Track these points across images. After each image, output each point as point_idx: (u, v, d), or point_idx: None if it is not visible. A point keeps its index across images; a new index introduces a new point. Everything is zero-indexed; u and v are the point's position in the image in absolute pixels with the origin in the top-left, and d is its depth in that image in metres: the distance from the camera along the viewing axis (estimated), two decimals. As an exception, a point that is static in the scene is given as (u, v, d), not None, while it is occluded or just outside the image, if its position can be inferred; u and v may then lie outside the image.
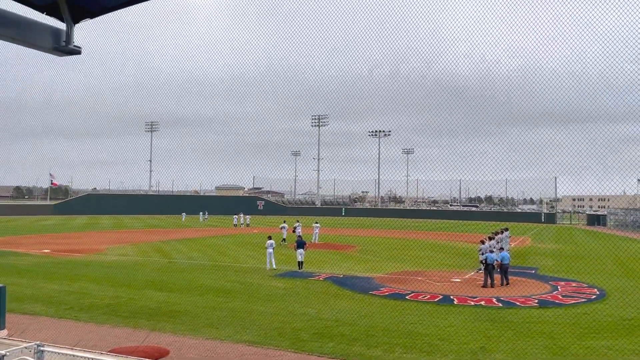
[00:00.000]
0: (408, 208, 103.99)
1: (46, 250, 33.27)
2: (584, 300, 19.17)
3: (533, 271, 26.59)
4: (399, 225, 54.98)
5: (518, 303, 18.53)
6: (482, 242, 24.64)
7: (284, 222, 42.48)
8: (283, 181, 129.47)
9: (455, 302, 18.56)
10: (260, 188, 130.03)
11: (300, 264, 25.71)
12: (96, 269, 25.51)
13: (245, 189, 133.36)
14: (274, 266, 25.86)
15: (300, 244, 26.33)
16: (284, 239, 38.39)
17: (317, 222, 43.32)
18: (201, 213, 77.50)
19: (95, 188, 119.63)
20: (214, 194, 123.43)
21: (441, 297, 19.35)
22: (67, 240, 40.15)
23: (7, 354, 7.10)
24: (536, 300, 18.98)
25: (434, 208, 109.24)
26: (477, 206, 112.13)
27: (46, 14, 4.94)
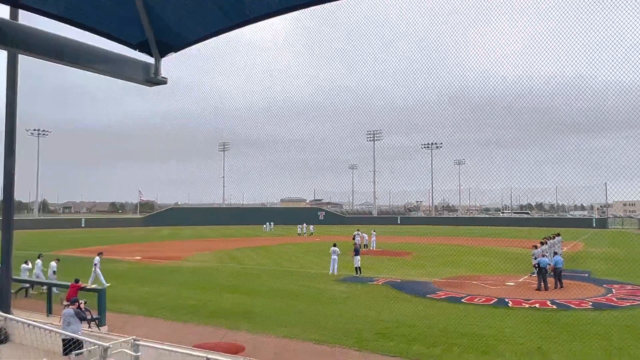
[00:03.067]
0: (461, 216, 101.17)
1: (137, 258, 34.83)
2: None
3: (586, 274, 25.11)
4: (453, 232, 53.51)
5: (573, 305, 17.54)
6: (535, 247, 23.58)
7: (358, 230, 42.12)
8: (341, 193, 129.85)
9: (510, 305, 17.82)
10: (321, 200, 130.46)
11: (357, 269, 25.56)
12: (180, 274, 26.41)
13: (307, 201, 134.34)
14: (336, 272, 25.82)
15: (357, 251, 26.41)
16: (365, 245, 38.78)
17: (374, 231, 42.96)
18: (267, 223, 78.65)
19: (177, 202, 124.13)
20: (279, 206, 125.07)
21: (496, 300, 18.64)
22: (155, 249, 41.82)
23: (110, 346, 7.48)
24: (591, 303, 17.90)
25: (486, 215, 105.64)
26: (528, 213, 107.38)
27: (138, 51, 5.21)
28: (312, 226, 66.16)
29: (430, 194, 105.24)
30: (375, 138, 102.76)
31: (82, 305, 11.93)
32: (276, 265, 30.22)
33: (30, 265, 21.70)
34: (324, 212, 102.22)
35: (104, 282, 22.18)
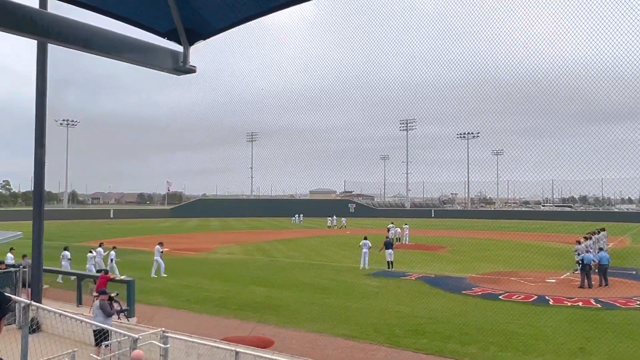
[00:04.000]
0: (499, 209, 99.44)
1: (165, 249, 35.56)
2: (694, 303, 17.26)
3: (634, 272, 24.37)
4: (490, 226, 52.68)
5: (618, 304, 17.07)
6: (578, 243, 23.01)
7: (392, 223, 42.08)
8: (373, 184, 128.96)
9: (550, 303, 17.48)
10: (351, 191, 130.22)
11: (389, 263, 25.49)
12: (208, 266, 26.89)
13: (337, 193, 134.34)
14: (367, 266, 25.81)
15: (389, 245, 26.18)
16: (398, 239, 38.60)
17: (406, 224, 42.63)
18: (297, 215, 79.03)
19: (205, 194, 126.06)
20: (308, 198, 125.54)
21: (536, 297, 18.31)
22: (182, 240, 42.66)
23: (140, 337, 7.69)
24: (638, 302, 17.38)
25: (526, 209, 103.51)
26: (571, 206, 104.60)
27: (167, 39, 5.29)
28: (343, 219, 66.21)
29: (466, 186, 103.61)
30: (409, 127, 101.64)
31: (113, 297, 12.15)
32: (305, 259, 30.40)
33: (94, 254, 23.16)
34: (354, 205, 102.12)
35: (117, 273, 23.01)
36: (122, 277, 17.41)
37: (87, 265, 22.59)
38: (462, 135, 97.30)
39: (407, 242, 39.96)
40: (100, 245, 24.46)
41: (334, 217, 65.93)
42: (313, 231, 55.98)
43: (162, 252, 24.44)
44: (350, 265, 26.75)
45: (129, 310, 15.18)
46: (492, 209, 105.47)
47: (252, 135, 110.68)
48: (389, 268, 25.33)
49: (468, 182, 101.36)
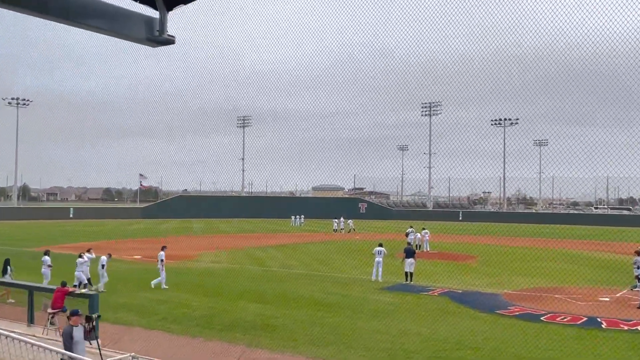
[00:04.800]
0: (541, 212, 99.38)
1: (137, 256, 35.74)
2: None
3: None
4: (530, 232, 52.57)
5: (687, 329, 17.02)
6: (638, 254, 22.93)
7: (411, 227, 42.03)
8: (388, 180, 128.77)
9: (603, 326, 17.46)
10: (362, 189, 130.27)
11: (408, 275, 25.48)
12: (188, 277, 26.97)
13: (345, 190, 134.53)
14: (380, 278, 25.84)
15: (410, 253, 26.17)
16: (418, 246, 39.06)
17: (425, 229, 42.39)
18: (294, 217, 78.99)
19: (185, 190, 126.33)
20: (311, 196, 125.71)
21: (585, 319, 18.28)
22: (158, 246, 42.59)
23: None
24: None
25: (574, 211, 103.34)
26: (629, 209, 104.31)
27: (140, 2, 5.22)
28: (350, 221, 66.22)
29: (502, 183, 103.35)
30: (432, 112, 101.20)
31: (94, 318, 11.16)
32: (306, 269, 30.44)
33: (86, 259, 23.31)
34: (366, 204, 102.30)
35: (101, 283, 23.15)
36: (83, 291, 17.44)
37: (75, 273, 22.64)
38: (497, 122, 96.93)
39: (427, 250, 39.97)
40: (88, 251, 24.54)
41: (341, 218, 65.99)
42: (316, 235, 56.04)
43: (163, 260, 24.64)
44: (360, 277, 26.77)
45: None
46: (534, 211, 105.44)
47: (244, 119, 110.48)
48: (406, 280, 25.36)
49: (504, 178, 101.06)
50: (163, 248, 25.02)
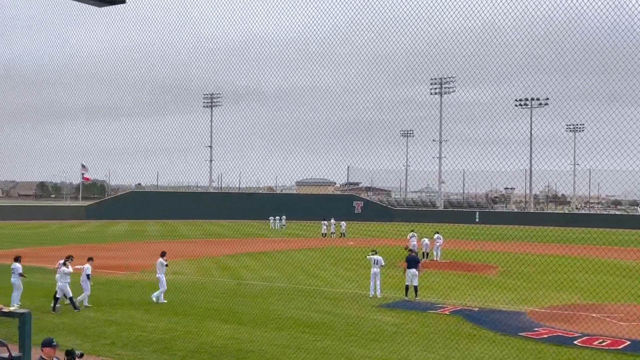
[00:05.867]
0: (576, 212, 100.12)
1: (78, 267, 35.46)
2: None
3: None
4: (562, 236, 52.93)
5: None
6: (692, 263, 23.19)
7: (413, 231, 42.11)
8: (389, 173, 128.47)
9: (650, 351, 17.65)
10: (358, 183, 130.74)
11: (409, 289, 25.46)
12: (143, 292, 26.84)
13: (337, 185, 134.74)
14: (379, 293, 25.91)
15: (413, 262, 25.99)
16: (426, 254, 39.62)
17: (438, 233, 42.55)
18: (272, 218, 78.91)
19: (139, 184, 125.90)
20: (294, 192, 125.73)
21: (628, 343, 18.45)
22: (105, 254, 42.47)
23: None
24: None
25: (616, 212, 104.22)
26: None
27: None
28: (344, 223, 66.30)
29: (528, 177, 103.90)
30: (444, 90, 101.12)
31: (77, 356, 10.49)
32: (288, 281, 30.44)
33: (70, 269, 23.53)
34: (361, 203, 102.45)
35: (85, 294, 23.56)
36: (12, 309, 17.33)
37: (59, 284, 22.85)
38: (522, 102, 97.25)
39: (438, 259, 40.14)
40: (69, 258, 24.57)
41: (332, 220, 66.04)
42: (300, 241, 56.03)
43: (166, 265, 25.17)
44: (355, 292, 26.86)
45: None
46: (566, 211, 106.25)
47: (211, 97, 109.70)
48: (407, 295, 25.45)
49: (530, 171, 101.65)
50: (89, 260, 24.93)
